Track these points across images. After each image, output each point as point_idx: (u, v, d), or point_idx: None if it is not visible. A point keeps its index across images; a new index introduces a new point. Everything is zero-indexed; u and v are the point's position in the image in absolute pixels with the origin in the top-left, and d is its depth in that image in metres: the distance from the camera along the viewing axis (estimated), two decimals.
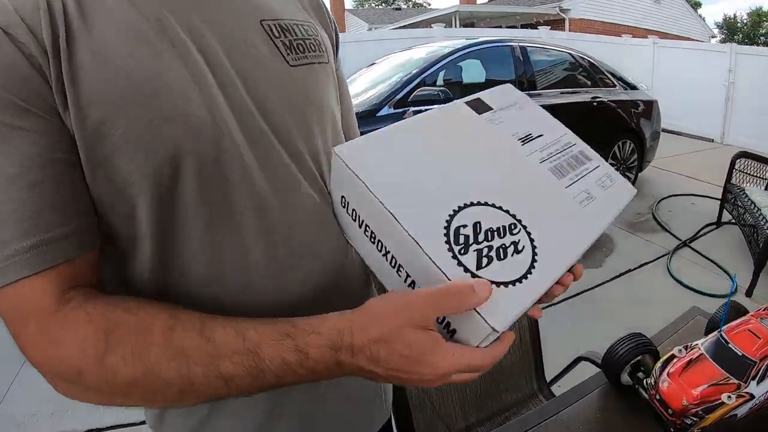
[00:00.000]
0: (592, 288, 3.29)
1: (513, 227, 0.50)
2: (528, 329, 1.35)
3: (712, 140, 8.10)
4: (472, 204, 0.51)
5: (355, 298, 0.57)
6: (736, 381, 0.79)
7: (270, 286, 0.57)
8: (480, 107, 0.64)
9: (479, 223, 0.49)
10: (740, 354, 0.82)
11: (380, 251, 0.52)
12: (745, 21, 34.94)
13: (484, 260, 0.47)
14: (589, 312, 2.95)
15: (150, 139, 0.49)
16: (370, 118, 3.40)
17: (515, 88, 0.71)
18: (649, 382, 0.85)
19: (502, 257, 0.48)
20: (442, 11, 14.97)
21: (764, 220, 3.22)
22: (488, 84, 4.36)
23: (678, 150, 7.29)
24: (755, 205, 3.49)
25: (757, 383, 0.80)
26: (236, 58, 0.55)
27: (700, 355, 0.84)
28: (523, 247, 0.49)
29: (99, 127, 0.47)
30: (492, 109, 0.65)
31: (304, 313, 0.49)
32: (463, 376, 0.48)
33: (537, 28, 10.16)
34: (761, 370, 0.80)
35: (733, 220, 3.80)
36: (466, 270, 0.46)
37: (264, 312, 0.52)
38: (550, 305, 3.00)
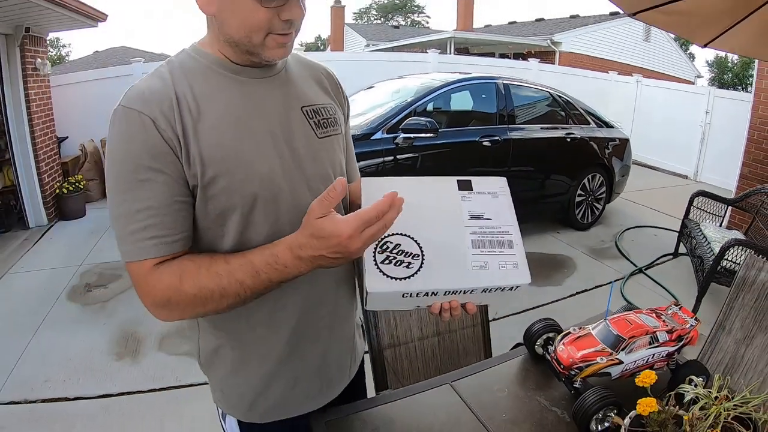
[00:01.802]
0: (549, 303, 3.71)
1: (416, 257, 0.87)
2: (480, 324, 1.75)
3: (687, 177, 8.54)
4: (404, 234, 0.89)
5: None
6: (609, 350, 1.18)
7: None
8: (465, 186, 0.97)
9: (399, 244, 0.88)
10: (615, 333, 1.21)
11: None
12: (735, 61, 35.78)
13: (387, 260, 0.86)
14: None
15: (240, 187, 0.87)
16: (366, 140, 3.83)
17: (506, 184, 1.00)
18: (551, 348, 1.24)
19: (396, 265, 0.86)
20: (437, 35, 15.37)
21: (711, 252, 3.63)
22: (472, 113, 4.88)
23: (652, 184, 7.77)
24: (706, 239, 3.91)
25: (626, 353, 1.19)
26: (287, 134, 0.94)
27: (588, 332, 1.24)
28: (412, 267, 0.86)
29: (211, 179, 0.85)
30: (472, 190, 0.97)
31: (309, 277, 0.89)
32: (371, 230, 0.77)
33: (527, 60, 10.63)
34: (629, 345, 1.19)
35: (688, 252, 4.21)
36: (374, 260, 0.85)
37: None
38: (512, 314, 3.45)
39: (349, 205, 1.11)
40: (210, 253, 0.88)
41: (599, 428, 1.04)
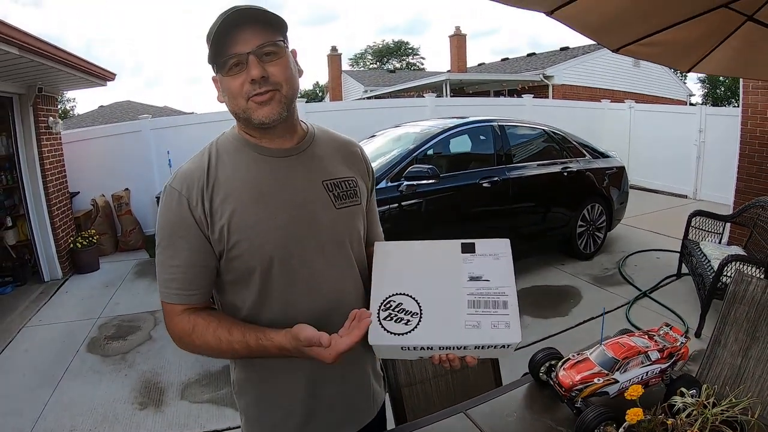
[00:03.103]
0: (557, 333, 3.78)
1: (414, 315, 1.02)
2: (490, 360, 1.86)
3: (686, 196, 8.64)
4: (406, 294, 1.04)
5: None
6: (606, 371, 1.29)
7: (305, 313, 1.09)
8: (468, 249, 1.09)
9: (401, 303, 1.03)
10: (610, 356, 1.32)
11: None
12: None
13: (389, 317, 1.02)
14: None
15: (258, 250, 1.05)
16: None
17: (508, 245, 1.09)
18: (553, 374, 1.35)
19: (396, 321, 1.01)
20: (433, 78, 15.65)
21: (711, 270, 3.72)
22: (471, 156, 5.09)
23: (652, 207, 7.87)
24: (706, 257, 4.01)
25: (621, 373, 1.30)
26: (305, 205, 1.10)
27: (586, 357, 1.35)
28: (410, 324, 1.01)
29: (235, 243, 1.05)
30: (474, 252, 1.08)
31: (319, 323, 1.02)
32: (346, 351, 0.97)
33: (521, 96, 10.89)
34: (623, 365, 1.30)
35: (689, 272, 4.30)
36: (378, 317, 1.02)
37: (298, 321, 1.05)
38: (522, 347, 3.46)
39: (368, 266, 1.24)
40: (220, 317, 1.08)
41: None
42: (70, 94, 30.61)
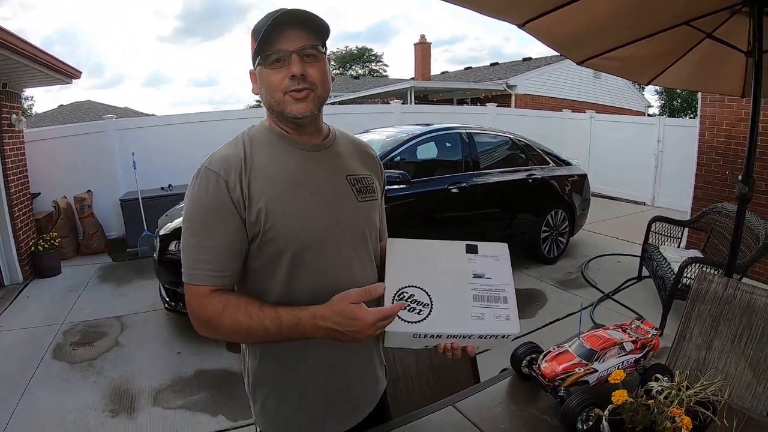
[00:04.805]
0: (525, 334, 3.79)
1: (426, 305, 1.09)
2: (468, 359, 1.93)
3: (644, 203, 9.01)
4: (419, 287, 1.11)
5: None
6: (585, 362, 1.38)
7: (327, 295, 1.10)
8: (472, 249, 1.20)
9: (414, 294, 1.10)
10: (588, 347, 1.41)
11: None
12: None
13: (403, 307, 1.07)
14: None
15: (294, 235, 1.10)
16: None
17: (507, 249, 1.22)
18: (535, 366, 1.43)
19: (410, 311, 1.08)
20: (398, 85, 15.74)
21: (671, 272, 3.91)
22: (438, 162, 5.22)
23: (612, 214, 8.17)
24: (666, 260, 4.21)
25: (599, 363, 1.39)
26: (332, 197, 1.17)
27: (566, 349, 1.43)
28: (422, 314, 1.08)
29: (271, 226, 1.08)
30: (477, 253, 1.19)
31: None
32: (384, 323, 1.03)
33: (485, 105, 11.10)
34: (601, 356, 1.39)
35: (650, 275, 4.50)
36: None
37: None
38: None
39: (378, 259, 1.31)
40: (250, 297, 1.10)
41: (584, 427, 1.23)
42: (28, 92, 29.53)
